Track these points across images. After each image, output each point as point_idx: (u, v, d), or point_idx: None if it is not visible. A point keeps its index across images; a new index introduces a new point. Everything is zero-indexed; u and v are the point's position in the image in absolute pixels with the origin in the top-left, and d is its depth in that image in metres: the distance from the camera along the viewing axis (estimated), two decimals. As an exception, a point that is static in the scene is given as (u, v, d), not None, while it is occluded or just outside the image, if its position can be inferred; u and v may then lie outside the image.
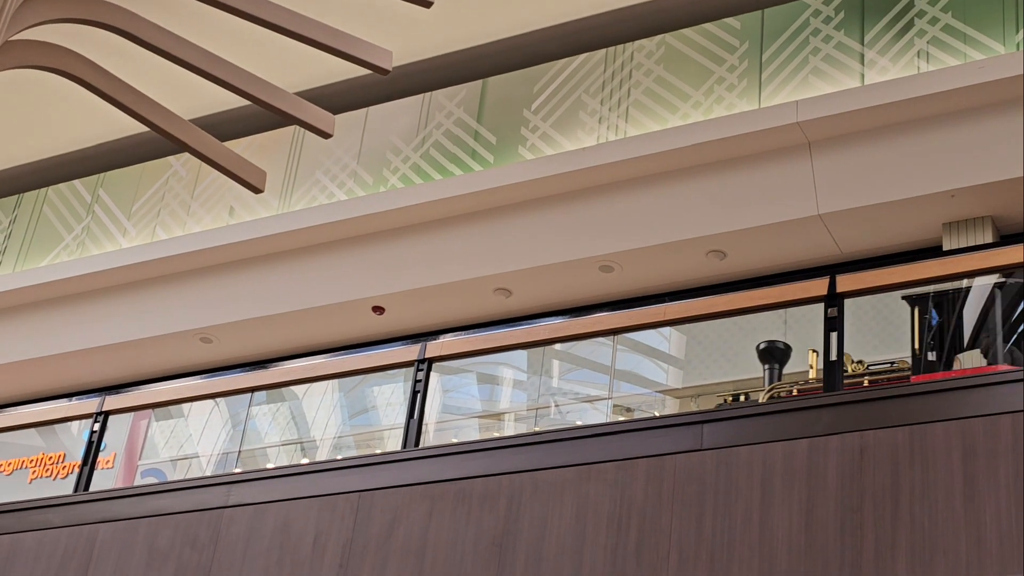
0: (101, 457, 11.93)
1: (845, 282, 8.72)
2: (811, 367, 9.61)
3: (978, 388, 7.17)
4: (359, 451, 11.67)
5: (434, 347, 10.11)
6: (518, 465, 8.15)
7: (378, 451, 11.31)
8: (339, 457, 11.32)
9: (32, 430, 12.92)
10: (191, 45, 6.01)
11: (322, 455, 11.60)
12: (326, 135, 6.00)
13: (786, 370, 9.67)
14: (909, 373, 8.83)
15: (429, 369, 9.97)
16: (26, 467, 12.60)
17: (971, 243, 9.25)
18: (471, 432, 11.09)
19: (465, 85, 11.36)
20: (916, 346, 9.12)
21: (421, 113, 11.38)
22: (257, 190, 6.07)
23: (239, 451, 11.64)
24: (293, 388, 11.89)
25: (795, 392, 9.44)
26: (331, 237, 11.07)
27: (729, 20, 10.34)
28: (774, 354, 9.80)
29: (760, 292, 9.46)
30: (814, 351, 9.60)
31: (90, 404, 11.74)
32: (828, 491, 7.07)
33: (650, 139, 9.94)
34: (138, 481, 11.88)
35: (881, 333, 9.58)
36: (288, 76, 10.42)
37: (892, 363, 9.32)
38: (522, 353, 11.02)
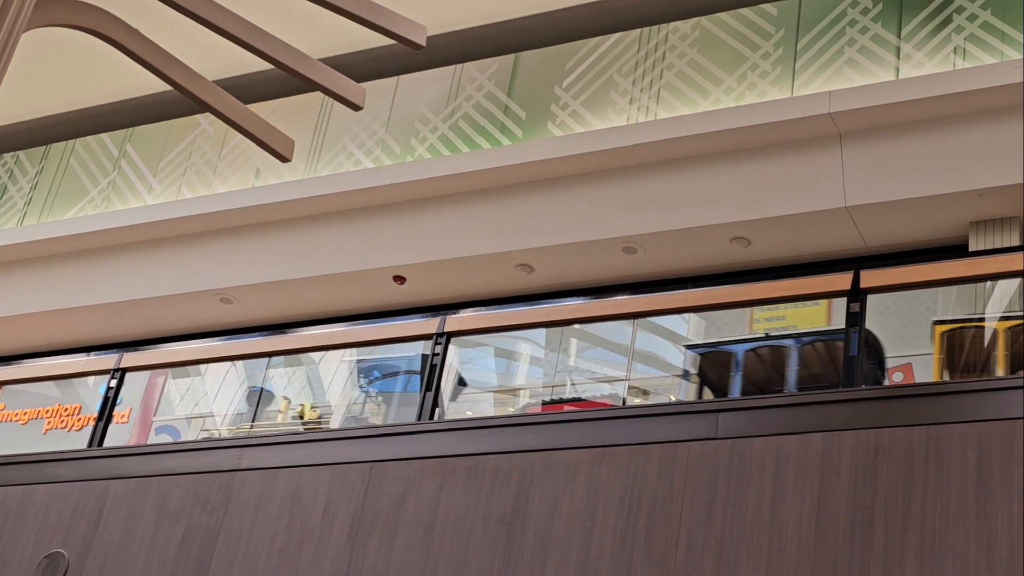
0: (116, 411, 11.98)
1: (869, 278, 8.68)
2: (280, 412, 11.18)
3: (997, 392, 7.12)
4: (372, 419, 11.68)
5: (453, 321, 10.10)
6: (531, 444, 8.13)
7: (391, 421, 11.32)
8: (353, 425, 11.34)
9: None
10: (222, 9, 5.98)
11: (336, 421, 11.62)
12: (356, 107, 5.97)
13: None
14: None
15: (447, 343, 9.96)
16: (42, 417, 12.65)
17: (997, 243, 9.19)
18: (485, 406, 11.08)
19: (497, 58, 11.32)
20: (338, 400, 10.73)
21: (452, 84, 11.34)
22: (285, 159, 6.04)
23: (254, 412, 11.66)
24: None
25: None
26: (356, 204, 11.06)
27: (766, 6, 10.28)
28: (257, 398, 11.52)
29: (783, 284, 9.42)
30: (286, 398, 11.33)
31: (108, 360, 11.77)
32: (840, 487, 7.04)
33: (680, 122, 9.90)
34: (152, 437, 11.92)
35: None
36: (318, 42, 10.41)
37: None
38: (541, 329, 11.00)
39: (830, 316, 9.56)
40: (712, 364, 9.92)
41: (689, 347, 9.77)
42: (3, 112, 13.67)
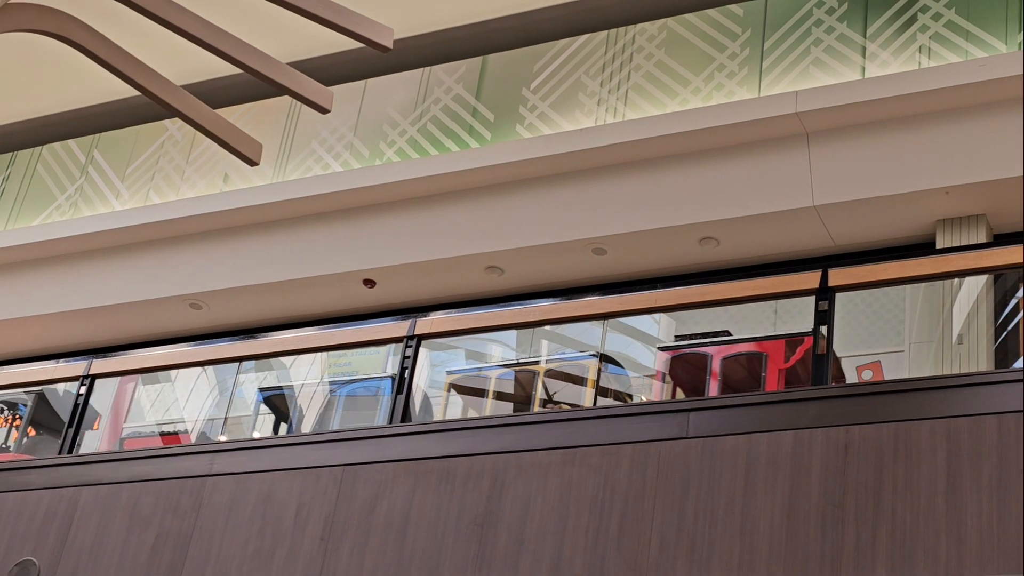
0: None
1: (837, 276, 8.72)
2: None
3: (965, 388, 7.15)
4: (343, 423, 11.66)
5: (424, 324, 10.10)
6: (503, 445, 8.13)
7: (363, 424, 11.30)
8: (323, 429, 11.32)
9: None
10: (189, 13, 5.97)
11: (307, 426, 11.60)
12: (324, 110, 5.96)
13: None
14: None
15: (418, 346, 9.95)
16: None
17: (965, 240, 9.25)
18: (455, 409, 11.08)
19: (465, 61, 11.33)
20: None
21: (420, 87, 11.34)
22: (252, 162, 6.03)
23: (225, 418, 11.62)
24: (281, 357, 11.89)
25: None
26: (325, 208, 11.05)
27: (732, 7, 10.32)
28: None
29: (752, 283, 9.45)
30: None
31: (77, 367, 11.70)
32: (811, 484, 7.06)
33: (648, 123, 9.93)
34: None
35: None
36: (285, 46, 10.39)
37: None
38: (512, 330, 11.01)
39: (386, 364, 10.84)
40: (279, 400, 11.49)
41: (262, 390, 11.13)
42: (-32, 119, 13.62)
